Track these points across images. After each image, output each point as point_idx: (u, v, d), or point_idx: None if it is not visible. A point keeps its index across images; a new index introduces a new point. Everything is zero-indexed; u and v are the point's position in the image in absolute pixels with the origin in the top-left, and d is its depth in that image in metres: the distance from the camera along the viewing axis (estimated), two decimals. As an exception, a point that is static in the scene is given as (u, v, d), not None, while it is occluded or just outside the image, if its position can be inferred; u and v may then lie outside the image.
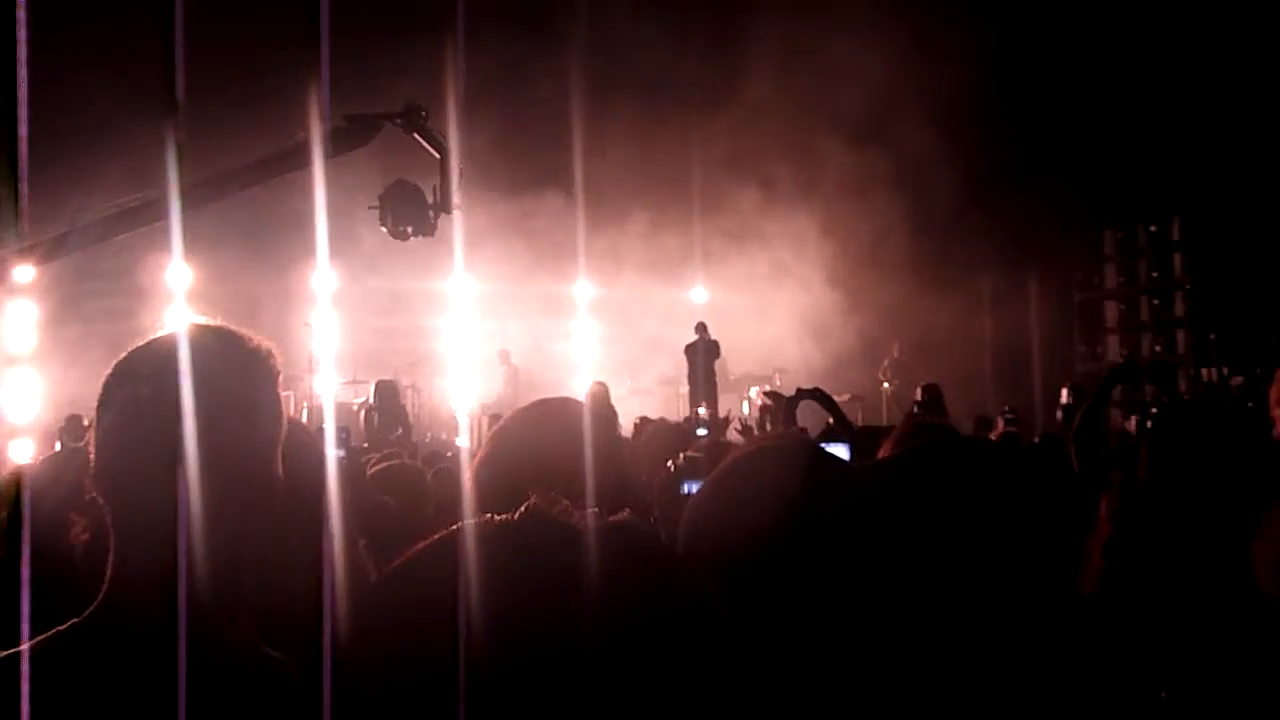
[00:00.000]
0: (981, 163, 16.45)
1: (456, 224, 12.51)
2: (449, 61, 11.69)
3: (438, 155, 12.15)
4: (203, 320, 1.67)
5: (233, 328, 1.65)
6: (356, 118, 11.55)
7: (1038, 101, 15.80)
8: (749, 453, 1.98)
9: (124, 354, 1.58)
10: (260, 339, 1.64)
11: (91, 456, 1.55)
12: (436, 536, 1.98)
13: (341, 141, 11.42)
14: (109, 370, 1.56)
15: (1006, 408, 12.29)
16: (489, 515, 1.99)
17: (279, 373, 1.65)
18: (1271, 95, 15.19)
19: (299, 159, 11.12)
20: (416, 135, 11.97)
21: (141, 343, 1.58)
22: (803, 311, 17.97)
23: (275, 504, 1.60)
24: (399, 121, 11.76)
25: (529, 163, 16.54)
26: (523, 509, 1.94)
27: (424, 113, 11.88)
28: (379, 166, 12.55)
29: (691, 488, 3.58)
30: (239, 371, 1.59)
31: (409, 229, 12.21)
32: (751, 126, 17.08)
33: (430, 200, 12.20)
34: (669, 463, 5.78)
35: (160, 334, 1.59)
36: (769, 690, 1.64)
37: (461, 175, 12.35)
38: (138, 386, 1.53)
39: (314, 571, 1.70)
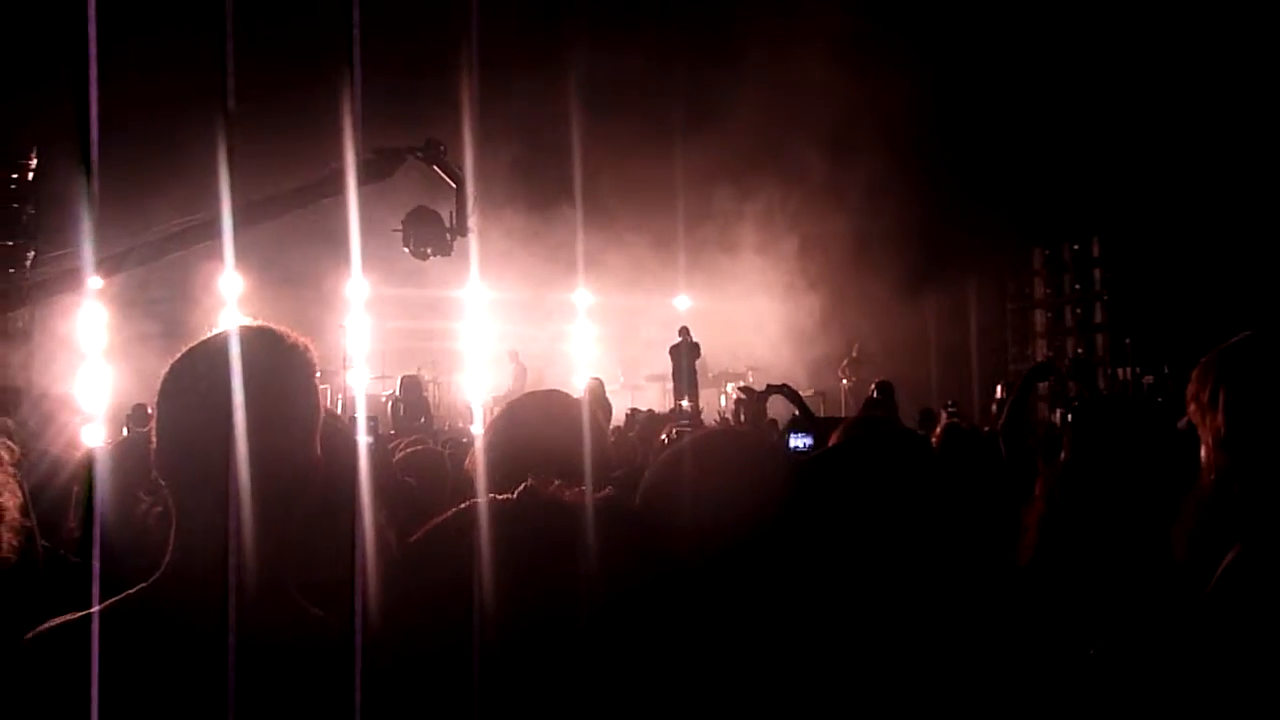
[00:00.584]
0: (929, 191, 16.49)
1: (472, 240, 12.50)
2: (466, 102, 11.55)
3: (454, 185, 12.13)
4: (249, 322, 1.63)
5: (275, 327, 1.63)
6: (382, 150, 11.51)
7: (978, 137, 15.82)
8: (702, 434, 2.03)
9: (180, 352, 1.56)
10: (299, 337, 1.63)
11: (153, 442, 1.54)
12: (450, 513, 2.01)
13: (370, 171, 11.40)
14: (167, 366, 1.55)
15: (949, 402, 12.24)
16: (493, 495, 2.03)
17: (316, 366, 1.62)
18: (1182, 129, 15.26)
19: (334, 186, 11.11)
20: (435, 167, 11.97)
21: (195, 342, 1.57)
22: (774, 317, 17.97)
23: (314, 481, 1.58)
24: (420, 155, 11.74)
25: (537, 187, 16.54)
26: (520, 489, 1.98)
27: (442, 147, 11.86)
28: (407, 190, 12.50)
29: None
30: (281, 365, 1.58)
31: (428, 250, 12.22)
32: (730, 159, 17.12)
33: (448, 224, 12.14)
34: (663, 436, 5.79)
35: (212, 334, 1.57)
36: (722, 623, 1.68)
37: (475, 201, 12.30)
38: (193, 380, 1.51)
39: (347, 541, 1.69)
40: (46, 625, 1.51)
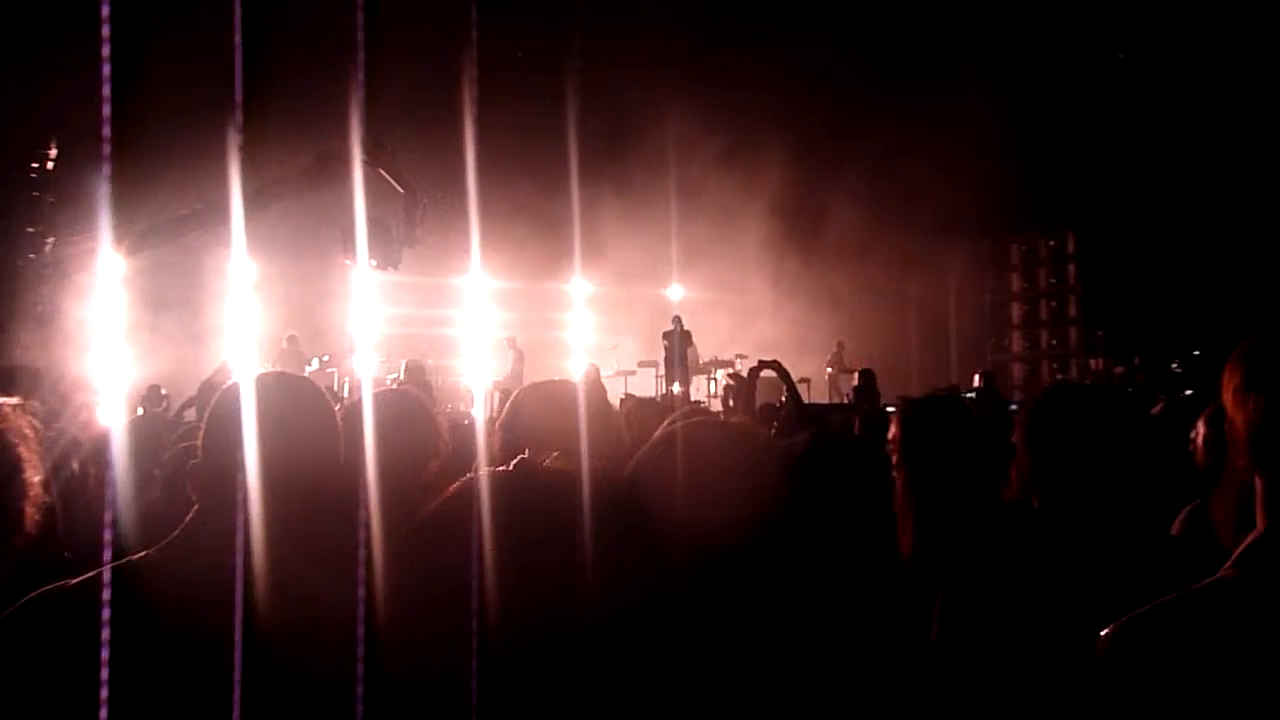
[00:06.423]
0: (910, 187, 16.46)
1: (474, 228, 12.12)
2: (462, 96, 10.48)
3: (402, 191, 10.92)
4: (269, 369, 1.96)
5: (290, 374, 1.96)
6: (320, 154, 10.70)
7: (955, 132, 15.72)
8: (693, 425, 2.08)
9: (221, 392, 1.82)
10: (309, 380, 1.93)
11: (199, 452, 1.78)
12: (459, 483, 2.08)
13: (312, 176, 10.70)
14: (213, 403, 1.81)
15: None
16: (492, 468, 2.10)
17: (324, 397, 1.88)
18: (1155, 128, 15.27)
19: (317, 178, 10.53)
20: (382, 171, 10.76)
21: (231, 384, 1.82)
22: (762, 307, 17.97)
23: (330, 477, 1.82)
24: (364, 158, 10.18)
25: (540, 172, 16.31)
26: (515, 462, 2.07)
27: (390, 149, 10.66)
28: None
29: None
30: (295, 404, 1.84)
31: (373, 262, 11.29)
32: (724, 153, 17.13)
33: (393, 235, 10.99)
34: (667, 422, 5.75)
35: (242, 380, 1.81)
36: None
37: (425, 208, 10.94)
38: (225, 413, 1.76)
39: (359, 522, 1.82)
40: (52, 586, 1.66)
